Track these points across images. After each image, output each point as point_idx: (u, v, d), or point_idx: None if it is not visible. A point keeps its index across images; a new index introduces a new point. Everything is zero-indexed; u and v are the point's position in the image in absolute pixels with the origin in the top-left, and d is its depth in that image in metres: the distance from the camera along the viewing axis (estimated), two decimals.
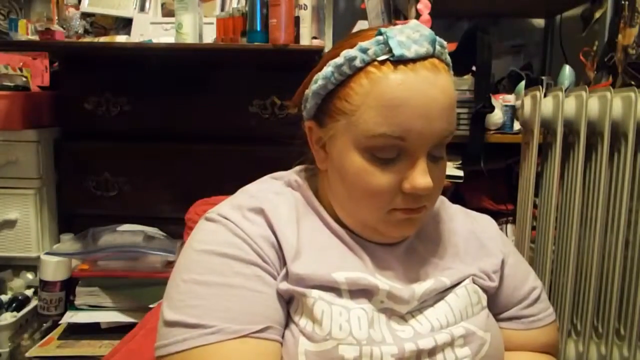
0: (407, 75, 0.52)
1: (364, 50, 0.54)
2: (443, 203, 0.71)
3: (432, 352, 0.55)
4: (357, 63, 0.54)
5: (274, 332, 0.53)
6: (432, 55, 0.54)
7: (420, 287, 0.58)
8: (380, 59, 0.53)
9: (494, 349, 0.58)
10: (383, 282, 0.57)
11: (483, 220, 0.72)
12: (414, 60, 0.52)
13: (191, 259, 0.55)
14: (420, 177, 0.53)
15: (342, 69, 0.55)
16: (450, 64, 0.57)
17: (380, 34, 0.53)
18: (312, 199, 0.63)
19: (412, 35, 0.53)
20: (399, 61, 0.52)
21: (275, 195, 0.62)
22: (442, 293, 0.60)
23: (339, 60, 0.55)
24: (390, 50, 0.52)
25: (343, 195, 0.58)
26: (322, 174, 0.63)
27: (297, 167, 0.69)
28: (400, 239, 0.62)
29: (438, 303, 0.60)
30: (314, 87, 0.58)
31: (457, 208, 0.73)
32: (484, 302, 0.62)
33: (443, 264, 0.63)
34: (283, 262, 0.56)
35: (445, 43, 0.56)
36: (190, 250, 0.56)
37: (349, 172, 0.55)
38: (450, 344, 0.56)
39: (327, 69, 0.56)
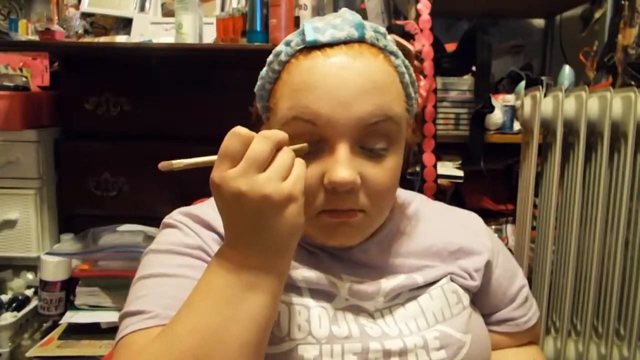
0: (318, 60, 0.50)
1: (288, 43, 0.53)
2: (424, 201, 0.68)
3: (402, 353, 0.53)
4: (283, 57, 0.52)
5: None
6: (361, 41, 0.51)
7: (389, 283, 0.56)
8: (299, 48, 0.52)
9: (474, 350, 0.56)
10: (345, 279, 0.56)
11: (468, 217, 0.68)
12: (331, 44, 0.50)
13: (145, 260, 0.57)
14: (339, 169, 0.48)
15: (272, 66, 0.54)
16: (396, 52, 0.54)
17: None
18: None
19: (332, 21, 0.52)
20: (314, 47, 0.51)
21: None
22: (414, 291, 0.58)
23: (269, 57, 0.54)
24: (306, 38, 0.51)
25: None
26: None
27: None
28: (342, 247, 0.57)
29: (409, 303, 0.57)
30: (255, 88, 0.57)
31: (439, 205, 0.70)
32: (465, 302, 0.59)
33: (418, 262, 0.59)
34: None
35: (382, 29, 0.54)
36: (146, 253, 0.58)
37: None
38: (424, 347, 0.53)
39: (264, 69, 0.55)
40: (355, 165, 0.49)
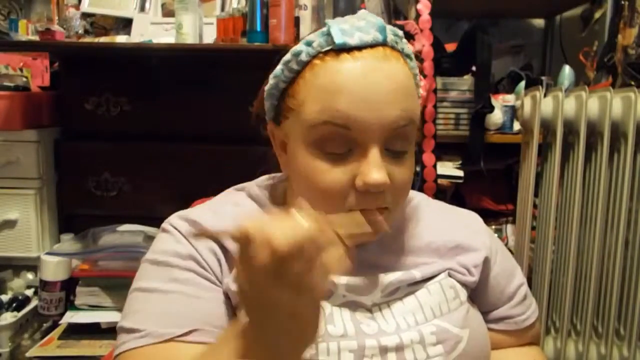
0: (348, 63, 0.50)
1: (309, 44, 0.53)
2: (424, 200, 0.69)
3: (399, 349, 0.53)
4: (303, 57, 0.53)
5: (201, 335, 0.51)
6: (384, 44, 0.52)
7: (387, 278, 0.57)
8: (324, 50, 0.52)
9: (471, 346, 0.56)
10: (343, 276, 0.56)
11: (468, 216, 0.69)
12: (359, 48, 0.51)
13: (141, 268, 0.58)
14: (373, 172, 0.49)
15: (290, 65, 0.54)
16: (411, 55, 0.55)
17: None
18: (269, 209, 0.61)
19: (357, 23, 0.52)
20: (343, 50, 0.51)
21: (234, 207, 0.61)
22: (412, 286, 0.58)
23: (286, 56, 0.54)
24: (334, 40, 0.51)
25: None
26: (289, 180, 0.61)
27: (263, 177, 0.67)
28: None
29: (407, 298, 0.58)
30: (267, 87, 0.57)
31: (440, 204, 0.71)
32: (463, 297, 0.60)
33: (417, 258, 0.60)
34: (229, 270, 0.56)
35: (400, 32, 0.54)
36: (143, 261, 0.58)
37: (301, 172, 0.53)
38: (421, 342, 0.54)
39: (278, 67, 0.55)
40: (384, 167, 0.51)
